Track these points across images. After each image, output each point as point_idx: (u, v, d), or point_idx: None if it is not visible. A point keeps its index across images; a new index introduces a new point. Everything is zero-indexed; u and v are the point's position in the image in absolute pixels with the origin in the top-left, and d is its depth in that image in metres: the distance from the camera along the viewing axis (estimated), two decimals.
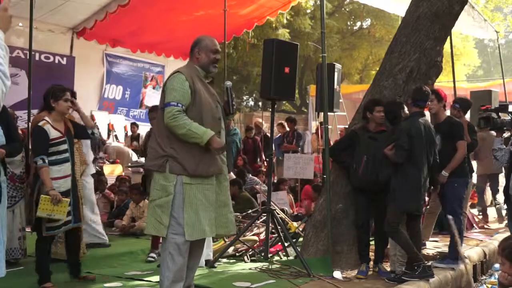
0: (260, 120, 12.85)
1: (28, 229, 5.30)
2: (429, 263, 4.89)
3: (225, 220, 3.85)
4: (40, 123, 4.38)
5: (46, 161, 4.27)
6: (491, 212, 9.07)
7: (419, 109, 4.82)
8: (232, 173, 8.14)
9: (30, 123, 5.55)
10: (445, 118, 5.39)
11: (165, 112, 3.62)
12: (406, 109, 4.96)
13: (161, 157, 3.67)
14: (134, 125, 11.43)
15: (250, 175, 9.36)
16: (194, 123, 3.63)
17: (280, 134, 11.21)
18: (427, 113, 5.46)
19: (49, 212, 4.23)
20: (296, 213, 7.79)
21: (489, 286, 5.12)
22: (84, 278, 4.59)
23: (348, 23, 22.15)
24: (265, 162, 10.75)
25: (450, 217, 5.16)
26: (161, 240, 3.97)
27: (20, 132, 5.44)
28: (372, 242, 5.15)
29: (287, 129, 10.87)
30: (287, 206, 7.75)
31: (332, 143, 9.64)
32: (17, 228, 5.13)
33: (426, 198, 6.04)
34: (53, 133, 4.37)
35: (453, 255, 5.24)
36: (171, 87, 3.68)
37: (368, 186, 4.91)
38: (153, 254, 5.45)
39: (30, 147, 5.41)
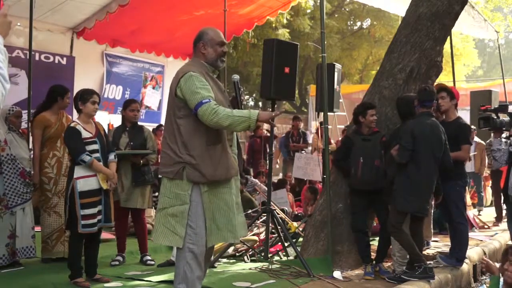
0: None
1: (37, 228, 5.29)
2: (430, 264, 4.89)
3: (243, 221, 3.69)
4: (72, 125, 4.53)
5: (90, 155, 4.40)
6: (490, 212, 9.07)
7: (426, 109, 4.74)
8: None
9: (30, 123, 5.54)
10: (454, 118, 5.30)
11: (202, 113, 3.29)
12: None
13: (177, 163, 3.41)
14: None
15: (252, 178, 9.35)
16: (234, 110, 3.37)
17: (284, 134, 11.22)
18: None
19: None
20: (296, 213, 7.80)
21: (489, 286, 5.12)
22: (98, 280, 4.57)
23: (348, 23, 22.15)
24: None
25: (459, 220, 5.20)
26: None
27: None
28: (373, 242, 5.14)
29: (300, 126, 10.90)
30: (287, 206, 7.74)
31: (332, 143, 9.71)
32: (29, 226, 5.11)
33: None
34: (84, 134, 4.48)
35: (460, 256, 5.25)
36: (192, 88, 3.34)
37: (367, 187, 4.91)
38: (148, 257, 5.41)
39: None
